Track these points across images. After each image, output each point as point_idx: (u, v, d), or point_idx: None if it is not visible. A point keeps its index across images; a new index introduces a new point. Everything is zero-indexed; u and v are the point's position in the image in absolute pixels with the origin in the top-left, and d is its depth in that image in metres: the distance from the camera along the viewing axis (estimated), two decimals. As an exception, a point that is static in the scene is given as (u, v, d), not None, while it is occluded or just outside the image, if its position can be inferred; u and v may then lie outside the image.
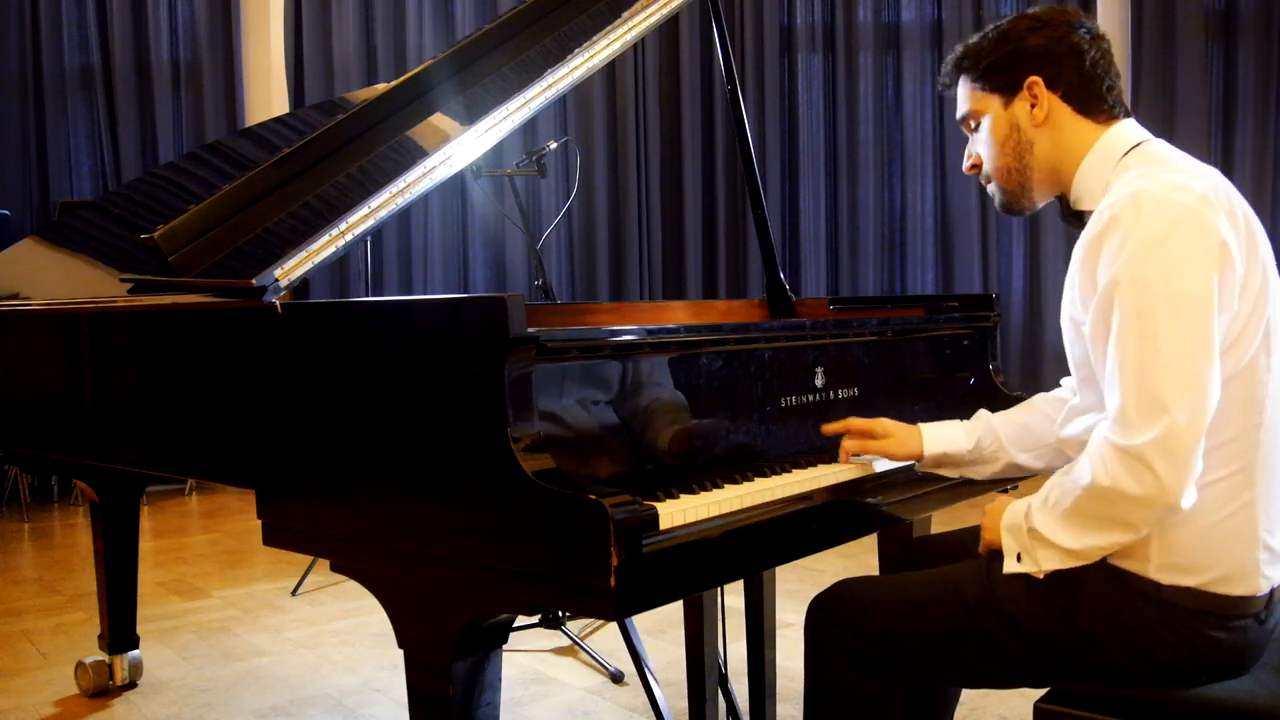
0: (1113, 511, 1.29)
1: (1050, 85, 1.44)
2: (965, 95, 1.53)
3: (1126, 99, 1.50)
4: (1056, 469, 1.68)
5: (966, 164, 1.57)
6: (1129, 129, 1.44)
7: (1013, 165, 1.49)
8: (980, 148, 1.53)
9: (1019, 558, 1.39)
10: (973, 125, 1.54)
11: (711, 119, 6.31)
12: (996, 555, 1.50)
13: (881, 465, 1.66)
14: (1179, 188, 1.28)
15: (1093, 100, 1.45)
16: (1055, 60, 1.44)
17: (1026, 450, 1.66)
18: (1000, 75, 1.47)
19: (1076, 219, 1.48)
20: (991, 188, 1.54)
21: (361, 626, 3.35)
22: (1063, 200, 1.51)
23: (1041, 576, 1.38)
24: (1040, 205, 1.53)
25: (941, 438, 1.66)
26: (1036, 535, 1.37)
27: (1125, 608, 1.33)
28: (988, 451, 1.66)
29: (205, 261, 1.85)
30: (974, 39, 1.53)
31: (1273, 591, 1.35)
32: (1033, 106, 1.45)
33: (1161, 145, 1.42)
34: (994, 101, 1.49)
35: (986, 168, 1.53)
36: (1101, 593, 1.35)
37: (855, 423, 1.67)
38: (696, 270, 6.33)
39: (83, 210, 2.77)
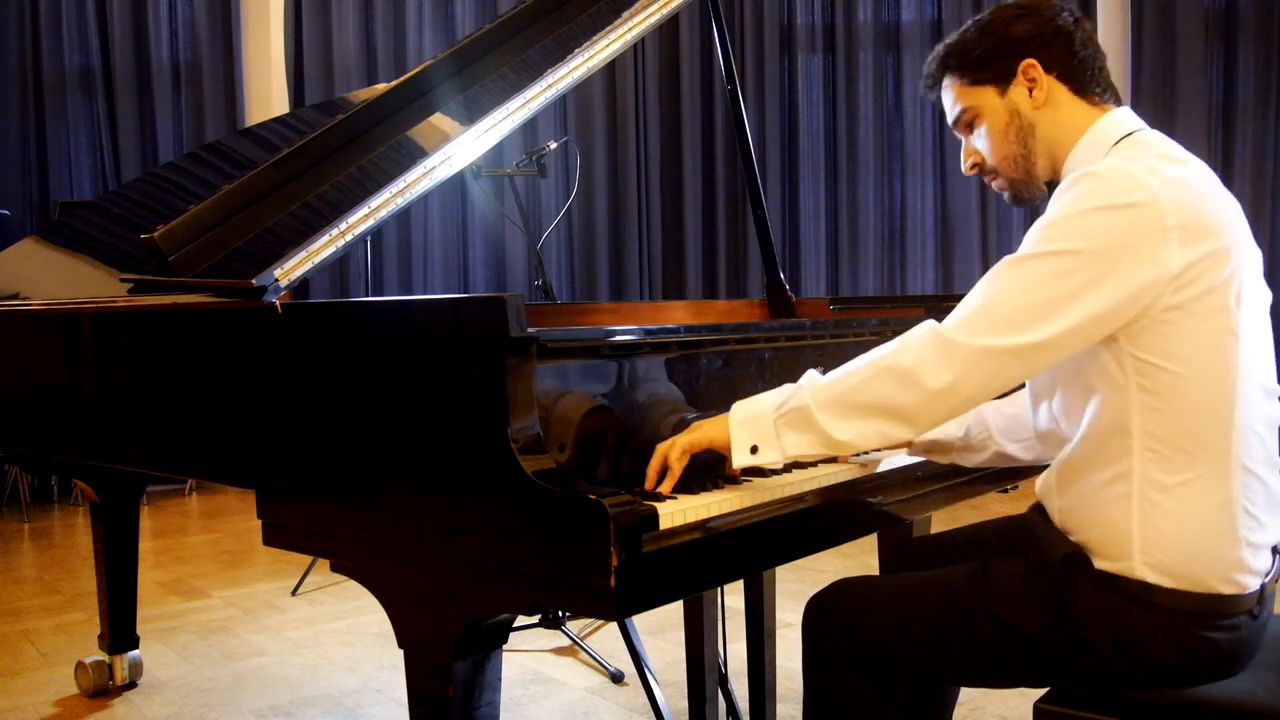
0: (896, 395, 1.32)
1: (1046, 67, 1.44)
2: (955, 95, 1.51)
3: (1121, 84, 1.50)
4: (1046, 460, 1.69)
5: (966, 165, 1.54)
6: (1123, 117, 1.44)
7: (1018, 153, 1.47)
8: (979, 144, 1.51)
9: (754, 450, 1.39)
10: (968, 124, 1.52)
11: (711, 119, 6.31)
12: (993, 554, 1.50)
13: (883, 465, 1.66)
14: (1152, 171, 1.29)
15: (1086, 80, 1.45)
16: (1046, 43, 1.44)
17: (1015, 440, 1.66)
18: (991, 66, 1.46)
19: None
20: (998, 182, 1.52)
21: (361, 626, 3.36)
22: (1051, 188, 1.50)
23: (781, 465, 1.39)
24: (1048, 192, 1.52)
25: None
26: (801, 414, 1.37)
27: (1118, 613, 1.33)
28: (976, 440, 1.66)
29: (205, 261, 1.85)
30: (953, 37, 1.51)
31: (1263, 587, 1.35)
32: (1031, 90, 1.44)
33: (1153, 135, 1.41)
34: (988, 93, 1.47)
35: (990, 162, 1.51)
36: (1094, 597, 1.34)
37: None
38: (696, 270, 6.33)
39: (83, 210, 2.76)
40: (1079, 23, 1.46)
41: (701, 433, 1.43)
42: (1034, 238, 1.31)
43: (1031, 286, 1.28)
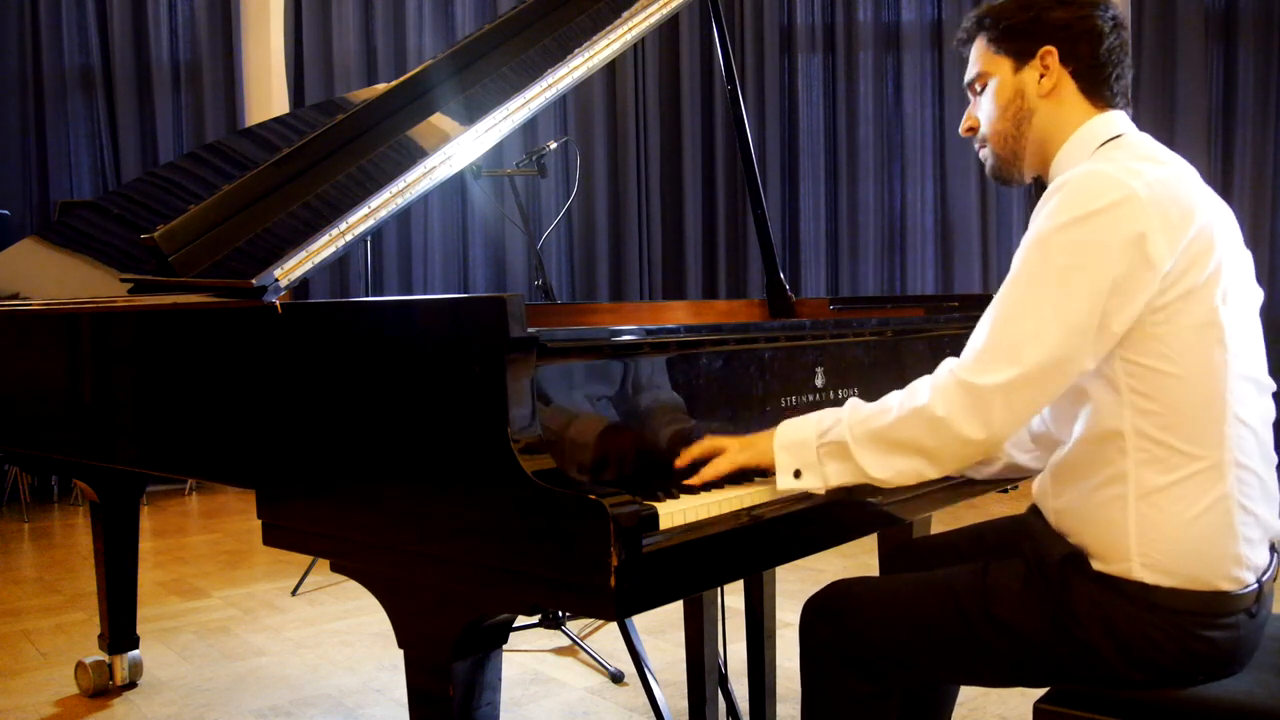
0: (930, 441, 1.33)
1: (1063, 59, 1.45)
2: (978, 55, 1.53)
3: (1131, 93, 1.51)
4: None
5: (964, 125, 1.57)
6: (1114, 119, 1.45)
7: (1010, 132, 1.50)
8: (981, 110, 1.54)
9: (797, 474, 1.41)
10: (978, 88, 1.54)
11: (711, 119, 6.31)
12: (993, 554, 1.50)
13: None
14: (1132, 173, 1.30)
15: (1100, 84, 1.46)
16: (1074, 36, 1.45)
17: (1026, 451, 1.67)
18: (1017, 39, 1.48)
19: None
20: (985, 152, 1.55)
21: (361, 626, 3.36)
22: (1038, 185, 1.52)
23: (824, 493, 1.40)
24: (1029, 179, 1.54)
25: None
26: (841, 447, 1.38)
27: (1117, 613, 1.33)
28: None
29: (205, 261, 1.85)
30: None
31: (1261, 585, 1.35)
32: (1041, 76, 1.46)
33: (1140, 137, 1.43)
34: (1004, 64, 1.49)
35: (983, 130, 1.54)
36: (1092, 598, 1.34)
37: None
38: (696, 270, 6.33)
39: (83, 210, 2.76)
40: (1116, 28, 1.46)
41: (753, 452, 1.44)
42: (1022, 257, 1.33)
43: (1030, 309, 1.30)
